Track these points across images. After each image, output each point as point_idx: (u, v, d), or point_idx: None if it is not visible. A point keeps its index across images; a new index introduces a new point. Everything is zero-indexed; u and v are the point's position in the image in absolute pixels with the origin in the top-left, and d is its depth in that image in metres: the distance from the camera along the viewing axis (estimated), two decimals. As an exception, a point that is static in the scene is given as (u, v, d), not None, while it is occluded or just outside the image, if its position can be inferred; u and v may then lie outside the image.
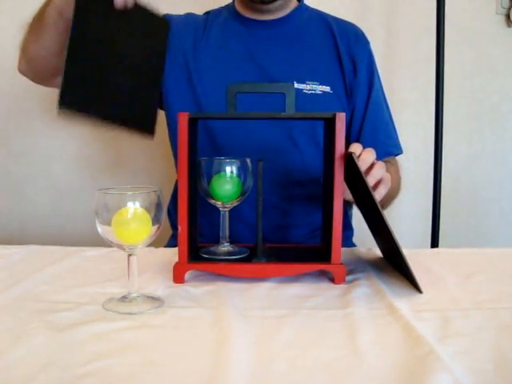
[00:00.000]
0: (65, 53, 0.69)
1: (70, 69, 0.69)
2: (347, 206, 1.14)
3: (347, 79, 1.06)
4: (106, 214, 0.59)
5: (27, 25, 0.94)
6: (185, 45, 1.06)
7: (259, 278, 0.72)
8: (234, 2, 1.12)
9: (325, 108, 1.01)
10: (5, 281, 0.71)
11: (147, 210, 0.60)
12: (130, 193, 0.60)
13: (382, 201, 0.78)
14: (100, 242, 0.65)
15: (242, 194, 0.78)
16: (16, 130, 1.56)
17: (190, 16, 1.13)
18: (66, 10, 0.81)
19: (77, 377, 0.44)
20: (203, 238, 0.96)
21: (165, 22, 0.85)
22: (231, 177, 0.77)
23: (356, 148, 0.77)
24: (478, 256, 0.87)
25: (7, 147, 1.56)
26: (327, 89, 1.04)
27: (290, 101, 0.71)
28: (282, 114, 0.72)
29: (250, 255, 0.77)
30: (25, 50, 0.98)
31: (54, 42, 0.89)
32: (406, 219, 1.66)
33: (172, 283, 0.71)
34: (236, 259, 0.76)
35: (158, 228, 0.62)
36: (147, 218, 0.60)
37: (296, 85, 1.02)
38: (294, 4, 1.10)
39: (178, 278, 0.71)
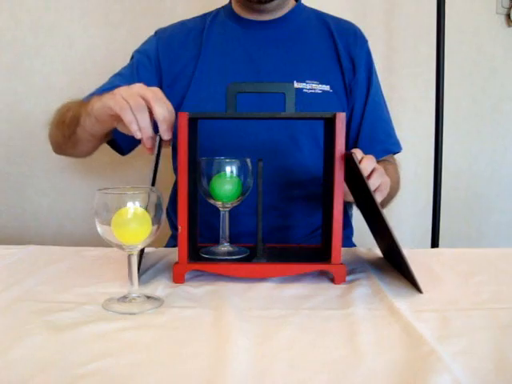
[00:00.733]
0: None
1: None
2: (347, 205, 1.14)
3: (346, 78, 1.06)
4: (106, 213, 0.59)
5: (56, 122, 1.00)
6: (181, 55, 1.06)
7: (259, 278, 0.72)
8: (230, 2, 1.11)
9: (325, 107, 1.01)
10: (5, 281, 0.71)
11: (147, 210, 0.60)
12: (129, 193, 0.60)
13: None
14: (100, 241, 0.65)
15: (242, 194, 0.78)
16: (16, 130, 1.55)
17: (183, 25, 1.11)
18: (100, 133, 0.91)
19: (77, 377, 0.44)
20: (203, 238, 0.96)
21: None
22: (231, 177, 0.77)
23: (357, 154, 0.77)
24: (478, 256, 0.87)
25: (7, 147, 1.56)
26: (327, 88, 1.04)
27: (290, 100, 0.71)
28: (282, 113, 0.72)
29: (250, 255, 0.77)
30: (54, 143, 1.06)
31: (88, 148, 1.01)
32: (406, 219, 1.66)
33: (172, 283, 0.71)
34: (236, 259, 0.76)
35: (158, 228, 0.62)
36: (147, 218, 0.60)
37: (296, 84, 1.02)
38: (291, 4, 1.10)
39: (178, 277, 0.71)
